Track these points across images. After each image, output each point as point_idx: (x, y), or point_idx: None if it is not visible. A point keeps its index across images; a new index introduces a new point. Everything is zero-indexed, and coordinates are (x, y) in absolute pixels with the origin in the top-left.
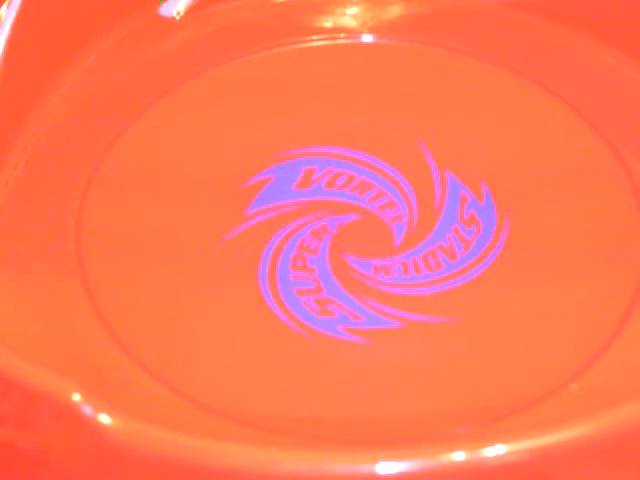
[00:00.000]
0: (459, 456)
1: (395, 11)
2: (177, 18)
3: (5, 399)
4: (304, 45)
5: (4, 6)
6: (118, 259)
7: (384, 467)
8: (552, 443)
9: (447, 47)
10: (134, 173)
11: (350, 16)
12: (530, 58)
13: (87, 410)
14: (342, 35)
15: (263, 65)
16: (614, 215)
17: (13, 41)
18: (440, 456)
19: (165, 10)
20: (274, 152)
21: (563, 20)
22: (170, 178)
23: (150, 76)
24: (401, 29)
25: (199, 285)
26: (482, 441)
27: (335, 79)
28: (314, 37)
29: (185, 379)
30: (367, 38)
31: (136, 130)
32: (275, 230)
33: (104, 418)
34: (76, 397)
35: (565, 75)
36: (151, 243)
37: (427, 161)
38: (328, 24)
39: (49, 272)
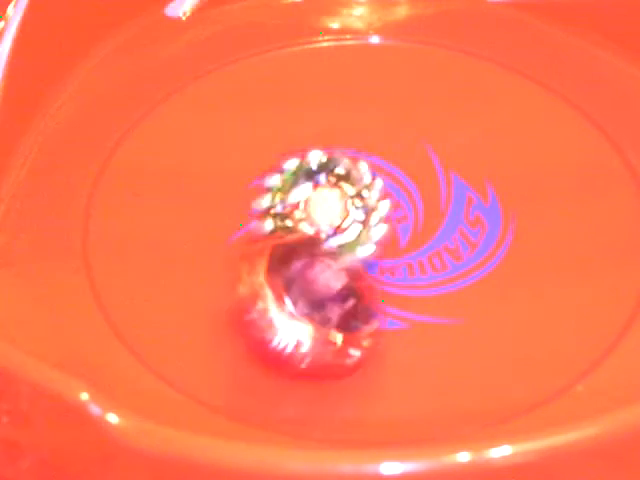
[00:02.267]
0: (465, 457)
1: (401, 12)
2: (184, 19)
3: (14, 398)
4: (311, 46)
5: (11, 6)
6: (124, 259)
7: (389, 467)
8: (558, 444)
9: (453, 48)
10: (140, 173)
11: (356, 17)
12: (537, 59)
13: (95, 409)
14: (349, 36)
15: (269, 66)
16: (619, 216)
17: (20, 41)
18: (446, 457)
19: (172, 11)
20: (280, 152)
21: (570, 21)
22: (176, 178)
23: (157, 76)
24: (407, 30)
25: (205, 285)
26: (488, 442)
27: (341, 80)
28: (320, 38)
29: (191, 379)
30: (373, 39)
31: (142, 130)
32: None
33: (111, 417)
34: (84, 396)
35: (572, 77)
36: (157, 243)
37: (433, 162)
38: (335, 25)
39: (56, 272)
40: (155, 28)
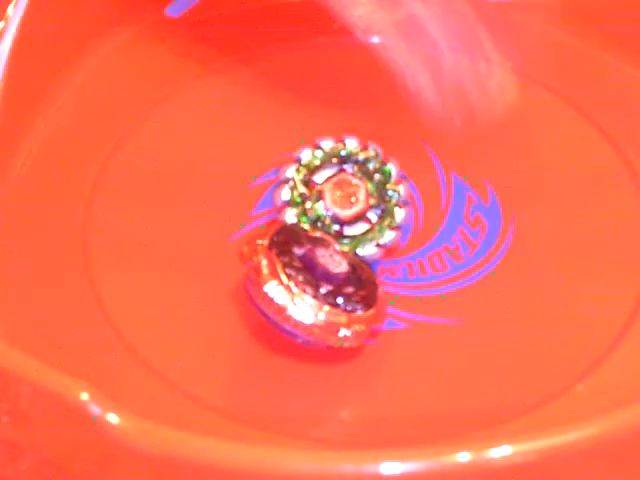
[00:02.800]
0: (465, 457)
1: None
2: (183, 19)
3: (13, 398)
4: (310, 46)
5: (10, 6)
6: (125, 260)
7: (389, 468)
8: (559, 444)
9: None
10: (140, 174)
11: (357, 18)
12: (537, 60)
13: (95, 409)
14: (348, 37)
15: (269, 66)
16: (619, 216)
17: (19, 42)
18: (446, 457)
19: (172, 11)
20: (279, 153)
21: (570, 22)
22: (176, 179)
23: (157, 76)
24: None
25: (205, 286)
26: (488, 442)
27: (341, 80)
28: (320, 38)
29: (192, 379)
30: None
31: (142, 131)
32: None
33: (111, 417)
34: (84, 396)
35: (572, 77)
36: (157, 244)
37: (433, 162)
38: (334, 25)
39: (56, 272)
40: (155, 28)
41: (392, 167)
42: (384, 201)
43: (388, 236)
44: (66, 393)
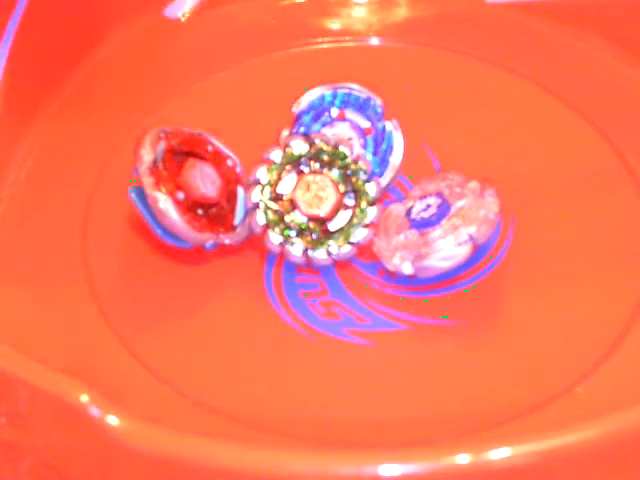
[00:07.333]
0: (465, 459)
1: (401, 14)
2: (182, 20)
3: (13, 400)
4: (310, 47)
5: (11, 7)
6: (124, 261)
7: (388, 469)
8: (558, 446)
9: (453, 50)
10: None
11: (356, 19)
12: (536, 61)
13: (94, 411)
14: (348, 38)
15: (269, 67)
16: (619, 218)
17: (20, 42)
18: (445, 459)
19: (170, 12)
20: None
21: (569, 22)
22: None
23: (155, 79)
24: (407, 32)
25: (204, 287)
26: (488, 444)
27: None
28: (320, 39)
29: (191, 381)
30: (373, 41)
31: (142, 131)
32: None
33: (111, 419)
34: (84, 398)
35: (571, 78)
36: (158, 244)
37: (432, 163)
38: (335, 26)
39: (56, 273)
40: (154, 30)
41: (344, 148)
42: (351, 182)
43: (370, 214)
44: (66, 395)
